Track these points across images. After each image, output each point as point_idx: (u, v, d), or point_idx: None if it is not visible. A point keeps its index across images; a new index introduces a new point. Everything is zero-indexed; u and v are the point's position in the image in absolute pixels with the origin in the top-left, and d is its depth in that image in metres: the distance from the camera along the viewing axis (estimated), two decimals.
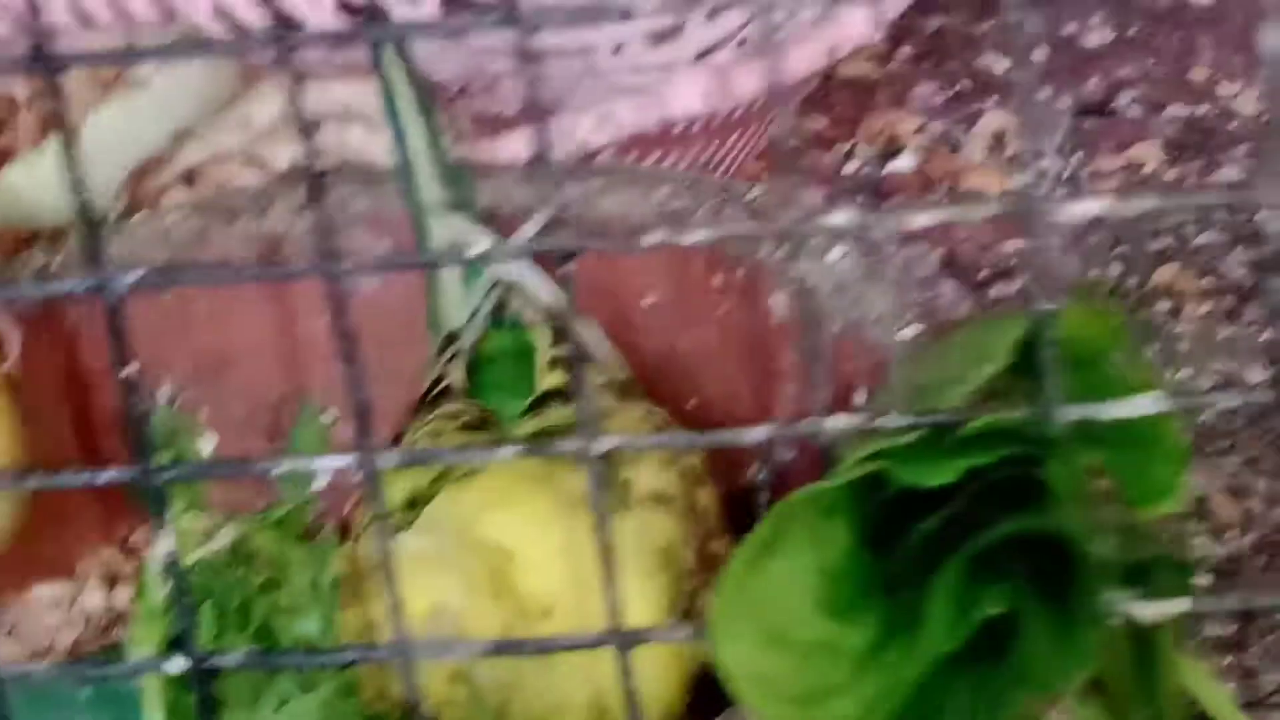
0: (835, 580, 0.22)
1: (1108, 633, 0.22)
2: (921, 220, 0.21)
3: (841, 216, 0.21)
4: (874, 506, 0.23)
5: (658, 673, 0.34)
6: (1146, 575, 0.23)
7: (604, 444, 0.21)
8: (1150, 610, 0.22)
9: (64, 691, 0.43)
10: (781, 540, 0.22)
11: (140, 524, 0.51)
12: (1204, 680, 0.26)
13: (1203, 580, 0.50)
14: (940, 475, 0.22)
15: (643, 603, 0.34)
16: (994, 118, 0.70)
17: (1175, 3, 0.74)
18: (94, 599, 0.51)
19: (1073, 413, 0.20)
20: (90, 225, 0.20)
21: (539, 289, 0.45)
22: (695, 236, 0.21)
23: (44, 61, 0.19)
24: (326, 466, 0.32)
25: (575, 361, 0.40)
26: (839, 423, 0.21)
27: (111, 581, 0.51)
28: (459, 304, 0.47)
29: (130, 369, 0.21)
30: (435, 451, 0.40)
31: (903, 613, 0.22)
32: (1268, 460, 0.54)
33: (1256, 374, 0.58)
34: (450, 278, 0.47)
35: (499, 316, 0.47)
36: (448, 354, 0.46)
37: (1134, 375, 0.24)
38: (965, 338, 0.30)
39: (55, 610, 0.50)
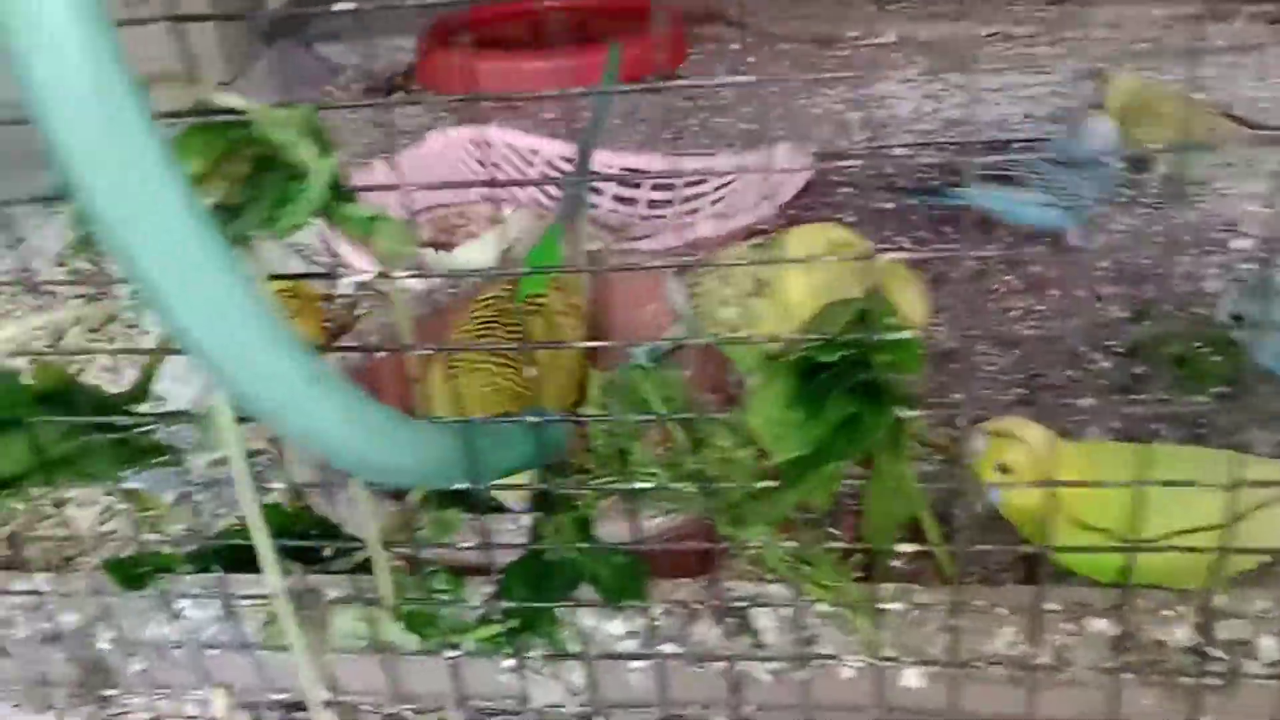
0: (792, 393, 0.55)
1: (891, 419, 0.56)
2: None
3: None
4: (804, 366, 0.56)
5: None
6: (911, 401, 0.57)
7: None
8: (906, 415, 0.56)
9: None
10: (773, 375, 0.55)
11: None
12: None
13: None
14: (829, 355, 0.55)
15: None
16: None
17: None
18: None
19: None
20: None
21: None
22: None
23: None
24: None
25: None
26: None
27: None
28: None
29: None
30: None
31: (818, 409, 0.55)
32: None
33: None
34: None
35: None
36: None
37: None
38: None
39: None
